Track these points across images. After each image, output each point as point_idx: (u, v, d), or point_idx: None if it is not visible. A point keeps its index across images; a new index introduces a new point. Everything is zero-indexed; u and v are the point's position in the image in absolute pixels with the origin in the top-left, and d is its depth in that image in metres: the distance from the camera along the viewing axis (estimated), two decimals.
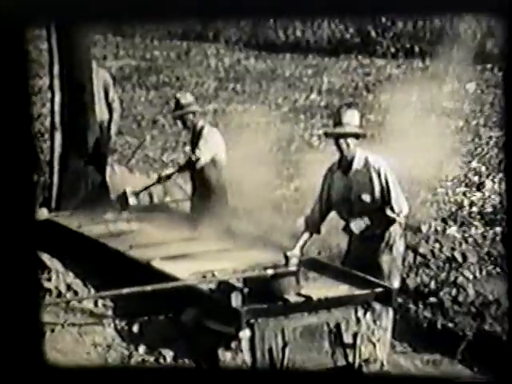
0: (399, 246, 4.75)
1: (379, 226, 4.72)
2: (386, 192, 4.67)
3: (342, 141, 4.68)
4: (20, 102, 2.46)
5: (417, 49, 12.05)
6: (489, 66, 11.39)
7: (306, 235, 4.82)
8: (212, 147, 5.60)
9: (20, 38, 2.38)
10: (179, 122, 5.97)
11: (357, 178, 4.73)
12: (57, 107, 5.99)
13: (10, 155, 2.46)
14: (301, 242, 4.78)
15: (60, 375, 2.55)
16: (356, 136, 4.71)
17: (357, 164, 4.71)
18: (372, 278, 4.54)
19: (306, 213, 5.01)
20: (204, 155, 5.57)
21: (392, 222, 4.72)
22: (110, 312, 4.65)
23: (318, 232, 4.91)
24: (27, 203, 2.53)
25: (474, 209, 6.60)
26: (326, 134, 4.92)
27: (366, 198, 4.70)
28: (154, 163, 7.65)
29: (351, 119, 4.71)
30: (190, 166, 5.63)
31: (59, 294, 4.76)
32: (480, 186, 7.11)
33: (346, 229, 4.77)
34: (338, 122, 4.71)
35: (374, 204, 4.70)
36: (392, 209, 4.68)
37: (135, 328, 4.51)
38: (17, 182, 2.47)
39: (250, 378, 2.66)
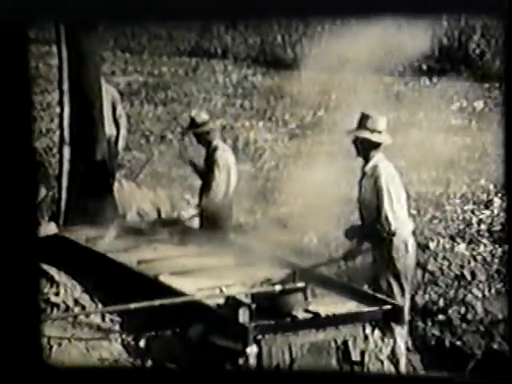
0: (397, 264, 4.71)
1: (374, 238, 4.71)
2: (380, 205, 4.64)
3: (358, 143, 4.72)
4: (22, 115, 2.47)
5: (424, 67, 12.07)
6: (496, 84, 11.39)
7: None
8: (224, 174, 5.62)
9: (23, 52, 2.40)
10: (187, 138, 6.00)
11: (364, 182, 4.76)
12: (66, 122, 6.02)
13: (13, 168, 2.47)
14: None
15: (60, 376, 2.54)
16: (373, 143, 4.71)
17: (367, 168, 4.74)
18: (380, 296, 4.53)
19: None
20: (219, 190, 5.59)
21: (380, 236, 4.68)
22: (117, 327, 4.64)
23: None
24: (30, 218, 2.54)
25: (483, 226, 6.59)
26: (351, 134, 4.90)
27: (367, 204, 4.70)
28: (161, 179, 7.67)
29: (374, 125, 4.73)
30: (208, 201, 5.64)
31: (67, 309, 4.75)
32: (488, 204, 7.10)
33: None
34: (360, 125, 4.74)
35: (373, 213, 4.68)
36: (380, 223, 4.65)
37: (142, 343, 4.50)
38: (19, 196, 2.48)
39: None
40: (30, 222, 2.54)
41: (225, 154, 5.69)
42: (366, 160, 4.75)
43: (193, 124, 5.75)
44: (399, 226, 4.67)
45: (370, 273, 4.76)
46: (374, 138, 4.73)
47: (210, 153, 5.69)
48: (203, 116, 5.75)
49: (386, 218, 4.63)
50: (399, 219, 4.68)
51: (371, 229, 4.70)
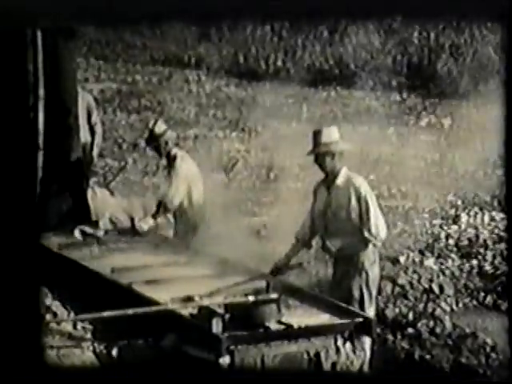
0: (369, 272, 4.79)
1: (352, 249, 4.78)
2: (364, 213, 4.73)
3: (324, 158, 4.76)
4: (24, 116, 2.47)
5: (394, 83, 12.27)
6: (464, 102, 11.63)
7: (295, 249, 4.88)
8: (183, 183, 5.63)
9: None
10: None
11: (337, 195, 4.82)
12: (41, 128, 5.99)
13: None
14: (289, 254, 4.84)
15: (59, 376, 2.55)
16: (333, 154, 4.78)
17: (339, 181, 4.81)
18: (352, 308, 4.59)
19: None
20: (175, 198, 5.60)
21: (366, 245, 4.77)
22: (89, 335, 4.62)
23: (309, 246, 4.97)
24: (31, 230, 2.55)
25: (451, 241, 6.71)
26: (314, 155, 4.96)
27: (342, 216, 4.77)
28: (134, 186, 7.67)
29: (328, 137, 4.79)
30: (164, 210, 5.65)
31: None
32: (456, 219, 7.23)
33: (324, 247, 4.86)
34: (316, 143, 4.80)
35: (348, 224, 4.76)
36: (369, 231, 4.74)
37: (114, 352, 4.49)
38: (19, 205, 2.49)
39: None
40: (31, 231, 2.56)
41: (184, 163, 5.71)
42: (334, 175, 4.82)
43: (152, 135, 5.77)
44: (383, 232, 4.79)
45: (343, 282, 4.83)
46: (336, 147, 4.79)
47: (170, 162, 5.73)
48: (161, 126, 5.77)
49: (376, 225, 4.74)
50: (383, 225, 4.80)
51: (349, 239, 4.76)
